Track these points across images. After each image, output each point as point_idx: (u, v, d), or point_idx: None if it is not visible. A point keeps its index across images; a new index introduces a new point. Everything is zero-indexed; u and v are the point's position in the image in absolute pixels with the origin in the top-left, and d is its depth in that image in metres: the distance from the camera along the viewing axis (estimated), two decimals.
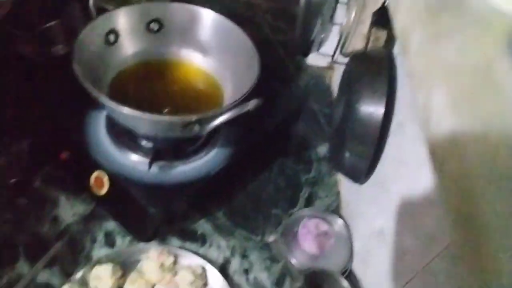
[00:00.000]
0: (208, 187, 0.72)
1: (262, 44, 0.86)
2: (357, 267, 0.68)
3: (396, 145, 0.63)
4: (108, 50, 0.71)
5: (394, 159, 0.63)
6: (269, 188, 0.85)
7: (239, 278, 0.70)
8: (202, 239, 0.73)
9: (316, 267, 0.64)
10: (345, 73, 0.79)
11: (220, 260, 0.71)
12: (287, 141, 0.94)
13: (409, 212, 0.55)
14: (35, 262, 0.64)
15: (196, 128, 0.59)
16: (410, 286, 0.50)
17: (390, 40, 0.68)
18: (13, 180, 0.72)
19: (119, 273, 0.64)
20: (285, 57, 1.11)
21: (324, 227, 0.72)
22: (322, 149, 0.94)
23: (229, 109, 0.58)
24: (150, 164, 0.68)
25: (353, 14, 0.79)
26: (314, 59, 1.12)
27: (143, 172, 0.68)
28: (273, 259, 0.74)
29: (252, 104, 0.57)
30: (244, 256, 0.73)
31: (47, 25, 0.83)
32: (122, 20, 0.71)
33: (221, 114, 0.58)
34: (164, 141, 0.68)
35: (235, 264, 0.72)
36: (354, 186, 0.77)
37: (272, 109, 0.86)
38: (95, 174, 0.68)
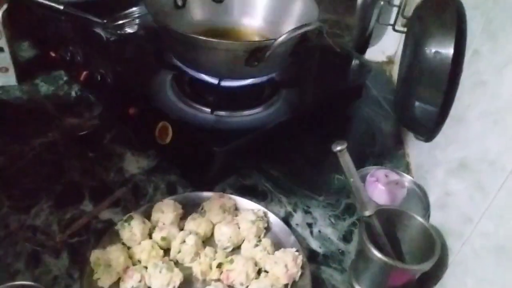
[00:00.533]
0: (266, 138, 0.71)
1: (319, 45, 0.89)
2: (436, 217, 0.62)
3: (471, 73, 0.59)
4: (176, 12, 0.76)
5: (470, 86, 0.59)
6: (330, 156, 0.80)
7: (302, 231, 0.66)
8: (262, 195, 0.71)
9: (388, 206, 0.59)
10: (408, 32, 0.77)
11: (282, 214, 0.68)
12: (349, 118, 0.92)
13: (493, 121, 0.50)
14: (99, 203, 0.65)
15: (259, 57, 0.59)
16: (501, 194, 0.44)
17: None
18: (82, 133, 0.75)
19: (180, 211, 0.62)
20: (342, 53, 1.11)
21: (394, 176, 0.67)
22: (387, 127, 0.90)
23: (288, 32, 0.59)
24: (212, 112, 0.69)
25: None
26: (373, 55, 1.11)
27: (205, 119, 0.69)
28: (339, 217, 0.69)
29: (314, 24, 0.57)
30: (307, 212, 0.69)
31: (121, 13, 0.92)
32: None
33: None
34: (225, 91, 0.70)
35: (298, 218, 0.68)
36: (425, 147, 0.72)
37: (330, 84, 0.85)
38: (160, 124, 0.70)
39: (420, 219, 0.56)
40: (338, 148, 0.50)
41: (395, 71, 1.08)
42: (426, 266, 0.50)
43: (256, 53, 0.60)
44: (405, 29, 0.84)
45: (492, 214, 0.46)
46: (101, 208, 0.64)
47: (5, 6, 0.82)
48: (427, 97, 0.66)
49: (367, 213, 0.53)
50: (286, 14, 0.78)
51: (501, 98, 0.49)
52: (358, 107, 0.94)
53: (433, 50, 0.62)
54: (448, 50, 0.61)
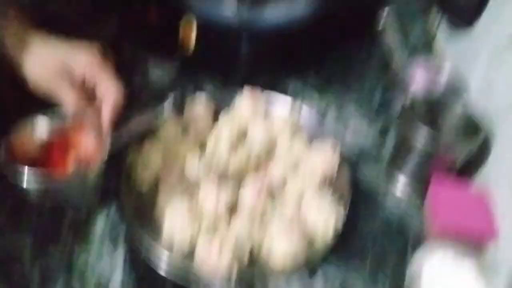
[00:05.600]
0: (292, 33, 0.66)
1: None
2: (477, 106, 0.58)
3: None
4: None
5: None
6: (362, 55, 0.77)
7: (336, 129, 0.64)
8: (293, 93, 0.68)
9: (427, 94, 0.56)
10: None
11: (314, 114, 0.65)
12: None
13: None
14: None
15: None
16: None
17: None
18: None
19: (212, 107, 0.60)
20: None
21: (433, 66, 0.63)
22: (417, 30, 0.84)
23: None
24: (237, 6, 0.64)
25: None
26: None
27: (230, 17, 0.64)
28: (374, 113, 0.67)
29: None
30: (340, 108, 0.67)
31: None
32: None
33: None
34: None
35: (331, 117, 0.66)
36: (461, 39, 0.68)
37: None
38: (182, 26, 0.66)
39: (460, 106, 0.53)
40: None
41: None
42: (472, 147, 0.49)
43: None
44: None
45: None
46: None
47: None
48: None
49: (408, 97, 0.51)
50: None
51: None
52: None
53: None
54: None
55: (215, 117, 0.60)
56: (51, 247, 0.48)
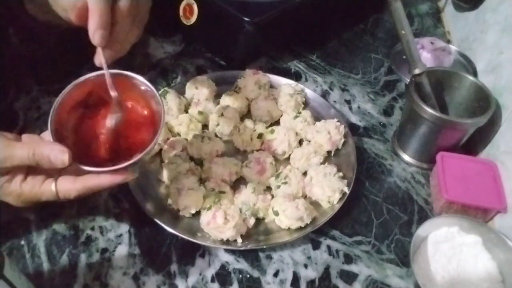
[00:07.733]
0: (297, 12, 0.65)
1: None
2: (486, 82, 0.57)
3: None
4: None
5: None
6: (366, 37, 0.76)
7: (341, 107, 0.63)
8: (296, 75, 0.67)
9: (438, 67, 0.55)
10: None
11: (319, 92, 0.65)
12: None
13: None
14: None
15: None
16: None
17: None
18: None
19: (214, 88, 0.59)
20: None
21: (440, 43, 0.62)
22: (424, 7, 0.84)
23: None
24: None
25: None
26: None
27: None
28: (378, 94, 0.66)
29: None
30: (344, 90, 0.66)
31: None
32: None
33: None
34: None
35: (335, 96, 0.65)
36: (470, 17, 0.67)
37: None
38: (183, 3, 0.65)
39: (471, 77, 0.52)
40: None
41: None
42: (482, 120, 0.48)
43: None
44: None
45: None
46: None
47: None
48: None
49: (417, 71, 0.50)
50: None
51: None
52: None
53: None
54: None
55: (217, 99, 0.59)
56: (56, 220, 0.47)
